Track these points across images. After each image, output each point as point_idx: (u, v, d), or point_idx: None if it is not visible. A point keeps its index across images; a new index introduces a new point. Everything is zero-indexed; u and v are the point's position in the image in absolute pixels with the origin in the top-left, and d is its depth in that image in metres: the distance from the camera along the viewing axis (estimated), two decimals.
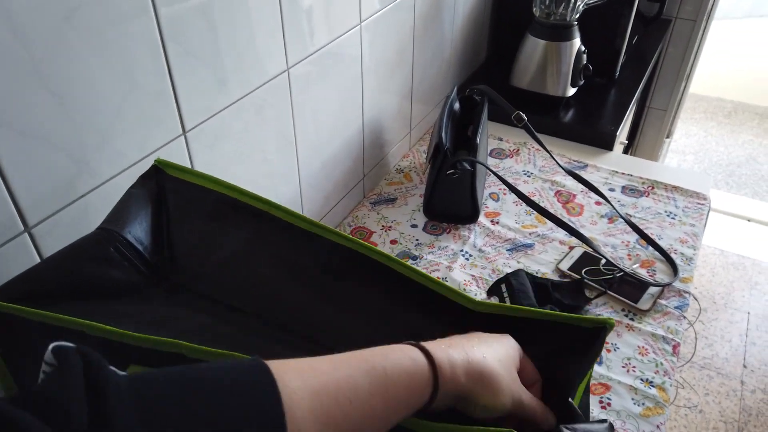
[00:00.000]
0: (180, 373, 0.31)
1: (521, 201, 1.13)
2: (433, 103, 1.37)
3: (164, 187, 0.55)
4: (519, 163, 1.26)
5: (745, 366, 1.89)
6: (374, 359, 0.37)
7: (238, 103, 0.74)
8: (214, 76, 0.68)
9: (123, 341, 0.41)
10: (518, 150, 1.29)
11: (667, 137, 2.20)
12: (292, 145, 0.88)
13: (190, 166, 0.64)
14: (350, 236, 0.52)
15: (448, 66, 1.39)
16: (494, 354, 0.43)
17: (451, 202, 1.07)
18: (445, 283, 0.51)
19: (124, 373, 0.30)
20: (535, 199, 1.14)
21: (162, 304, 0.50)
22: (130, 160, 0.61)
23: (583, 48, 1.32)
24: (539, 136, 1.10)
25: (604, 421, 0.45)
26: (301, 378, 0.33)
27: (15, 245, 0.52)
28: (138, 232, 0.51)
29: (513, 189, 1.00)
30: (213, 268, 0.53)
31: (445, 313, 0.50)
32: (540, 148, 1.29)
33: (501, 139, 1.33)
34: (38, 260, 0.54)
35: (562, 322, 0.48)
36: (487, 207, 1.13)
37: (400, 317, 0.52)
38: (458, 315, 0.50)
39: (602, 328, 0.47)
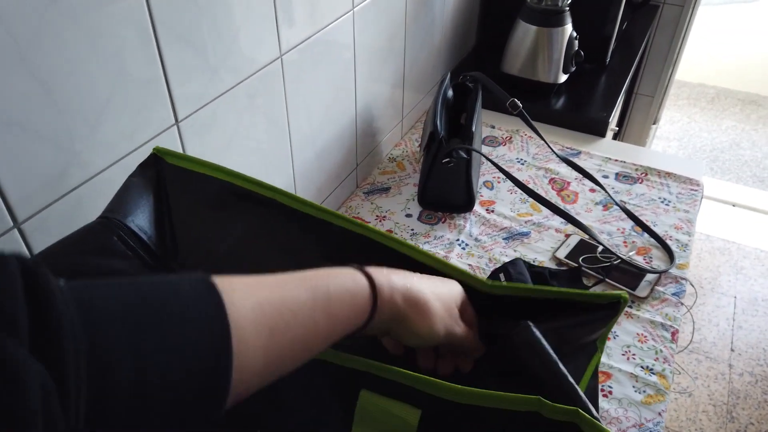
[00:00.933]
0: (125, 283, 0.30)
1: (516, 189, 1.12)
2: (423, 90, 1.35)
3: (164, 176, 0.53)
4: (512, 150, 1.25)
5: (732, 350, 1.91)
6: (318, 278, 0.39)
7: (231, 91, 0.71)
8: (206, 63, 0.66)
9: None
10: (511, 137, 1.28)
11: (654, 123, 2.21)
12: (285, 135, 0.86)
13: None
14: (361, 222, 0.50)
15: (438, 53, 1.37)
16: (434, 289, 0.45)
17: (446, 190, 1.06)
18: (459, 266, 0.50)
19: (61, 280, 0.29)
20: (529, 186, 1.13)
21: None
22: (123, 151, 0.59)
23: (574, 34, 1.31)
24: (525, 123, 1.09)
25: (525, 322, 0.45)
26: (246, 290, 0.34)
27: (4, 242, 0.50)
28: (140, 221, 0.49)
29: (511, 178, 0.99)
30: (219, 257, 0.51)
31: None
32: (533, 135, 1.28)
33: (493, 127, 1.31)
34: (29, 257, 0.52)
35: (577, 299, 0.47)
36: (481, 195, 1.12)
37: None
38: (472, 296, 0.49)
39: (617, 302, 0.46)
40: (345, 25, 0.92)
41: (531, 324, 0.42)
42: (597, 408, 0.47)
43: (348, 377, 0.38)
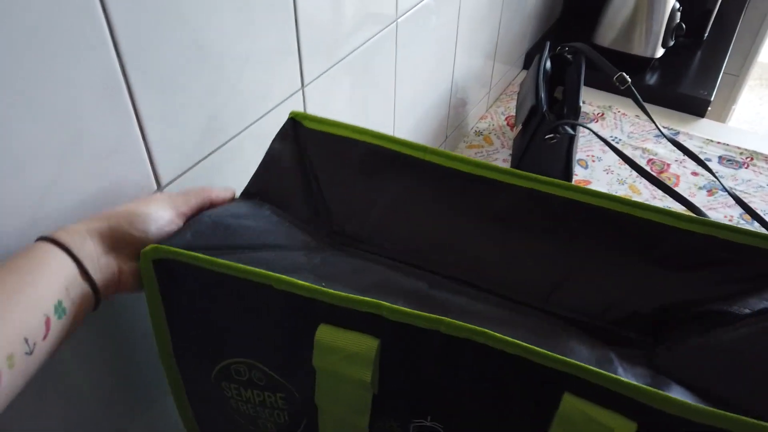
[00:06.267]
0: None
1: (612, 169, 1.07)
2: (510, 61, 1.29)
3: (304, 142, 0.50)
4: (605, 128, 1.18)
5: None
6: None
7: (350, 57, 0.68)
8: (336, 27, 0.62)
9: (314, 297, 0.37)
10: (603, 114, 1.22)
11: (734, 104, 2.10)
12: (390, 102, 0.82)
13: None
14: (525, 173, 0.44)
15: (528, 22, 1.30)
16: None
17: (543, 169, 1.01)
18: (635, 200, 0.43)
19: None
20: (625, 167, 1.08)
21: (330, 258, 0.45)
22: (253, 116, 0.56)
23: (677, 5, 1.23)
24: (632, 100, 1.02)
25: None
26: None
27: None
28: (290, 193, 0.48)
29: (630, 162, 0.92)
30: (375, 223, 0.48)
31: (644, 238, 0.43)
32: (627, 112, 1.22)
33: (584, 102, 1.25)
34: None
35: None
36: (576, 174, 1.07)
37: (609, 262, 0.45)
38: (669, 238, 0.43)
39: None
40: None
41: None
42: None
43: (550, 377, 0.34)
